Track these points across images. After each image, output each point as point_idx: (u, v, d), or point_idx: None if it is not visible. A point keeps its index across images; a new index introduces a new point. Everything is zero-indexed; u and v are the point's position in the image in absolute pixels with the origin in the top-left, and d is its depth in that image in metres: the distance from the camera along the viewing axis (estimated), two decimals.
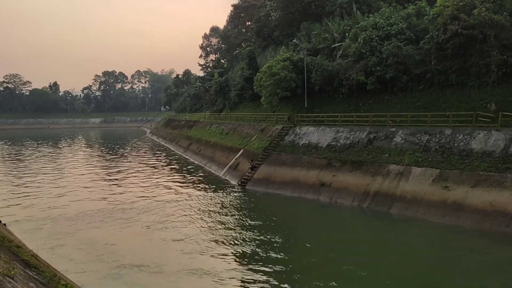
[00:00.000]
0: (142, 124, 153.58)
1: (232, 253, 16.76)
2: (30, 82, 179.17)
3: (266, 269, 14.75)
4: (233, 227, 20.35)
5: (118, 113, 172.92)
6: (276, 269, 14.81)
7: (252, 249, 17.00)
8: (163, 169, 42.34)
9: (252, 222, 21.16)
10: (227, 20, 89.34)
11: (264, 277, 14.14)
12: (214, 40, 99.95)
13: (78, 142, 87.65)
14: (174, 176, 37.38)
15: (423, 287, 13.55)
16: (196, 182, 33.80)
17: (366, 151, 26.59)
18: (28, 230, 19.55)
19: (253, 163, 32.23)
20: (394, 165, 24.19)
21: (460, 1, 26.71)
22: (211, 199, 26.90)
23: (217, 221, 21.53)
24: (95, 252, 16.90)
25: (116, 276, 14.53)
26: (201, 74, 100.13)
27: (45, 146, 75.04)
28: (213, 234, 19.21)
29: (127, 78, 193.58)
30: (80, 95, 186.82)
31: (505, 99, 24.26)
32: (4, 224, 15.04)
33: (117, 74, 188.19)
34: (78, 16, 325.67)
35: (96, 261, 15.93)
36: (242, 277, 14.32)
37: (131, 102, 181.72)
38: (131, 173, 39.00)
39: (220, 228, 20.14)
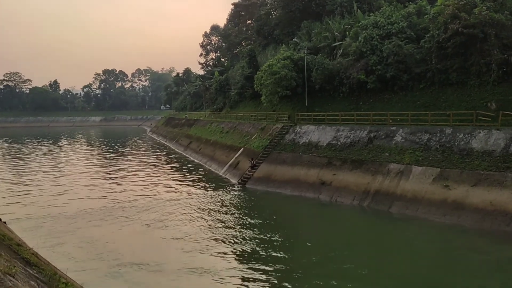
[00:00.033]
0: (142, 123, 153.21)
1: (232, 251, 16.76)
2: (30, 80, 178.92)
3: (266, 268, 14.75)
4: (233, 226, 20.36)
5: (118, 111, 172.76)
6: (276, 268, 14.81)
7: (252, 248, 17.00)
8: (163, 167, 42.32)
9: (252, 221, 21.17)
10: (227, 19, 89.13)
11: (264, 276, 14.15)
12: (214, 39, 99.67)
13: (78, 140, 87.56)
14: (174, 174, 37.37)
15: (423, 286, 13.55)
16: (196, 180, 33.79)
17: (367, 150, 26.58)
18: (28, 228, 19.54)
19: (253, 162, 32.22)
20: (394, 164, 24.18)
21: (461, 0, 26.69)
22: (211, 198, 26.90)
23: (217, 219, 21.53)
24: (95, 251, 16.90)
25: (116, 274, 14.54)
26: (201, 72, 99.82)
27: (45, 144, 74.95)
28: (213, 232, 19.22)
29: (127, 77, 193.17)
30: (80, 93, 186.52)
31: (506, 98, 24.28)
32: (4, 222, 15.02)
33: (117, 72, 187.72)
34: (78, 16, 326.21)
35: (96, 260, 15.94)
36: (242, 276, 14.31)
37: (131, 101, 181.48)
38: (131, 172, 38.98)
39: (220, 227, 20.15)
